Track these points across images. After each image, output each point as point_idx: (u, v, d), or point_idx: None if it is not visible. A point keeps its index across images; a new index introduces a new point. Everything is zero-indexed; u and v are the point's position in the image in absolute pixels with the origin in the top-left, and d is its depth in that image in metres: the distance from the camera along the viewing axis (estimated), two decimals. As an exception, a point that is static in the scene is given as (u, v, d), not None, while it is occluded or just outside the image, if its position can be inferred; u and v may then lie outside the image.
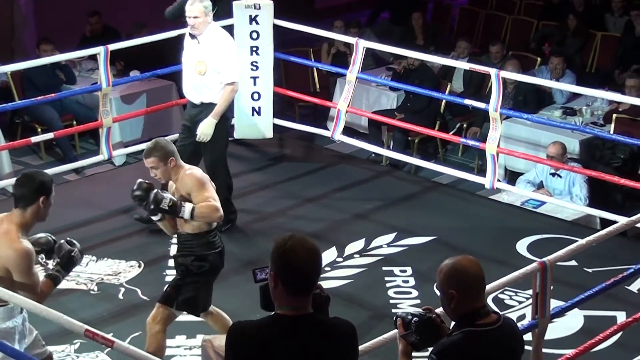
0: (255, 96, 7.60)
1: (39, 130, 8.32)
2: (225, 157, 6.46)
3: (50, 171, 7.03)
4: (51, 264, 4.27)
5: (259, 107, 7.64)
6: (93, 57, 7.69)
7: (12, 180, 7.07)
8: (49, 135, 7.46)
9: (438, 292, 3.17)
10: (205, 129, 6.19)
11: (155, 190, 4.55)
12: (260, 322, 2.96)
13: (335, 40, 9.19)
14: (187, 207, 4.50)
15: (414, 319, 3.18)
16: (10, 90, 8.88)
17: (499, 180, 6.92)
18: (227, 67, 6.18)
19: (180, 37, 6.68)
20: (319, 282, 3.11)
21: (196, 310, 4.70)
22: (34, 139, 7.14)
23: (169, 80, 8.66)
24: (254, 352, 2.91)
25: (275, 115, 7.72)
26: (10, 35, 10.47)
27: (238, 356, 2.93)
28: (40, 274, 4.10)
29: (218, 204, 4.54)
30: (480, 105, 6.96)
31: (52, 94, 7.47)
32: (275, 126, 7.74)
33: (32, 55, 8.40)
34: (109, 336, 3.74)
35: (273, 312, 2.98)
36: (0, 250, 3.93)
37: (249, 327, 2.95)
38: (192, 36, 6.22)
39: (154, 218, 4.63)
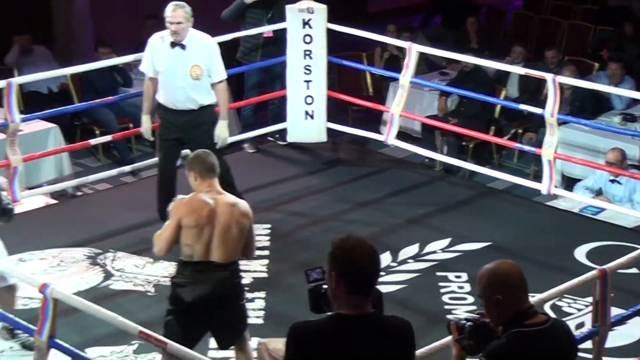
0: (309, 100, 7.62)
1: (97, 132, 8.44)
2: None
3: (107, 173, 7.22)
4: None
5: (312, 111, 7.66)
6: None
7: (72, 182, 7.26)
8: (107, 138, 7.55)
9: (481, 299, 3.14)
10: (222, 133, 6.21)
11: None
12: (321, 322, 2.97)
13: (388, 44, 9.18)
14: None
15: (468, 323, 3.19)
16: (70, 92, 9.03)
17: (555, 186, 6.85)
18: (219, 66, 6.17)
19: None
20: None
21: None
22: (93, 141, 7.23)
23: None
24: (315, 352, 2.92)
25: (328, 119, 7.73)
26: (69, 38, 10.64)
27: (299, 356, 2.94)
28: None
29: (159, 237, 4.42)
30: (537, 110, 6.90)
31: (110, 97, 7.56)
32: (328, 130, 7.76)
33: (90, 58, 8.52)
34: (163, 338, 3.76)
35: (333, 312, 2.98)
36: None
37: (310, 327, 2.97)
38: (173, 44, 6.08)
39: None
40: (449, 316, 5.47)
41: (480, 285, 3.12)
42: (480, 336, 3.16)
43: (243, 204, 4.48)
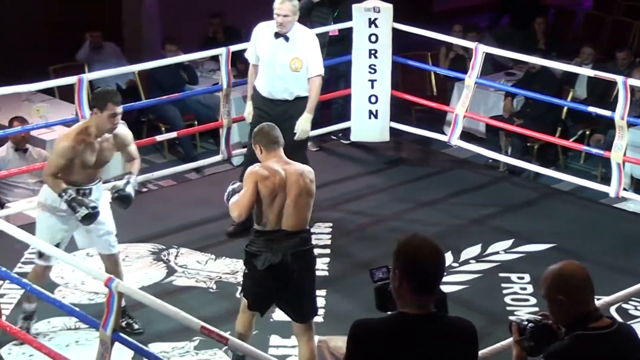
0: (373, 99, 7.60)
1: (163, 129, 8.54)
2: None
3: (171, 170, 7.31)
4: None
5: (376, 110, 7.65)
6: (215, 58, 7.83)
7: (139, 178, 7.33)
8: (173, 134, 7.65)
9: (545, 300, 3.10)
10: (304, 126, 6.26)
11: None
12: (383, 320, 2.97)
13: (453, 44, 9.11)
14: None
15: (530, 324, 3.16)
16: (137, 89, 9.15)
17: (624, 189, 6.73)
18: (318, 61, 6.29)
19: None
20: None
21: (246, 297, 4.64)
22: (159, 138, 7.32)
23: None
24: (376, 351, 2.91)
25: (391, 119, 7.71)
26: (137, 36, 10.79)
27: (361, 354, 2.94)
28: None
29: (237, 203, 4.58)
30: (606, 112, 6.79)
31: (176, 94, 7.65)
32: (391, 129, 7.73)
33: (157, 56, 8.63)
34: (225, 334, 3.79)
35: (395, 311, 2.98)
36: None
37: (372, 325, 2.96)
38: (277, 35, 6.22)
39: None
40: (511, 317, 5.42)
41: (544, 286, 3.08)
42: (541, 337, 3.12)
43: (309, 171, 4.67)
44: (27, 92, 7.96)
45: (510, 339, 3.67)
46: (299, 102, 6.28)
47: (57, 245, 4.90)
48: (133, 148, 5.22)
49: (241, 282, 4.76)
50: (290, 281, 4.54)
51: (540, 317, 3.18)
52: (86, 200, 4.89)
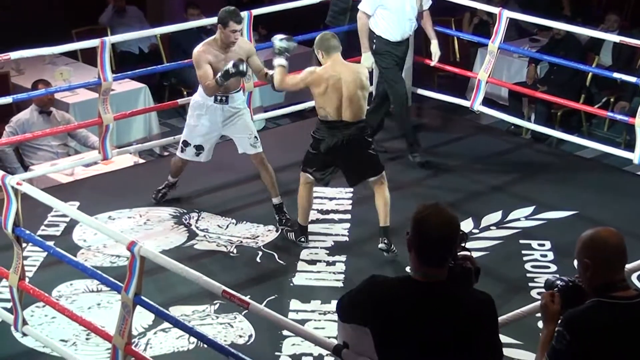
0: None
1: (185, 93, 8.54)
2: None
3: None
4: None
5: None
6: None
7: (161, 141, 7.38)
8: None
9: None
10: (437, 50, 7.12)
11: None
12: (394, 280, 3.06)
13: (477, 9, 9.02)
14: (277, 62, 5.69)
15: (560, 282, 3.17)
16: (160, 53, 9.15)
17: (648, 156, 6.66)
18: None
19: None
20: (470, 254, 3.12)
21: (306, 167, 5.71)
22: (181, 101, 7.32)
23: (309, 47, 8.68)
24: (380, 305, 2.98)
25: (414, 84, 7.67)
26: (160, 0, 10.76)
27: (365, 303, 3.01)
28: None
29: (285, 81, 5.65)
30: (631, 79, 6.71)
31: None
32: (413, 95, 7.69)
33: (179, 19, 8.60)
34: (246, 298, 3.81)
35: (404, 275, 3.05)
36: None
37: (384, 283, 3.05)
38: None
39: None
40: (533, 285, 5.42)
41: (577, 247, 3.07)
42: (569, 297, 3.12)
43: (364, 70, 5.66)
44: (51, 55, 7.99)
45: (530, 305, 3.70)
46: (406, 42, 7.00)
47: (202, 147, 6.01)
48: (257, 59, 6.01)
49: (304, 159, 5.72)
50: (349, 155, 5.60)
51: (574, 278, 3.17)
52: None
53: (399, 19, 6.80)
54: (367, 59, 6.79)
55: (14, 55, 6.15)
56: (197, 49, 5.83)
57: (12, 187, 4.47)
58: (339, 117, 5.52)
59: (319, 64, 5.65)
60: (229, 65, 5.65)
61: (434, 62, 7.20)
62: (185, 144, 6.04)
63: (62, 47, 6.59)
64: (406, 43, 7.00)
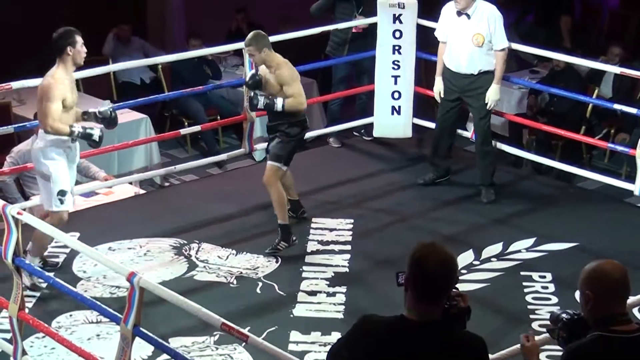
0: (396, 95, 7.60)
1: (186, 123, 8.56)
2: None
3: (194, 164, 7.32)
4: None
5: (399, 107, 7.64)
6: (238, 53, 7.84)
7: (161, 171, 7.38)
8: (196, 128, 7.58)
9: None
10: (494, 95, 6.79)
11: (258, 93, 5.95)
12: (387, 320, 3.01)
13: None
14: (279, 102, 5.85)
15: (565, 316, 3.19)
16: (161, 83, 9.18)
17: (649, 188, 6.66)
18: (501, 35, 6.73)
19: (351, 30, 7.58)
20: (462, 292, 3.12)
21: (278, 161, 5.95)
22: (183, 131, 7.33)
23: (310, 77, 8.73)
24: (374, 346, 2.95)
25: (414, 115, 7.69)
26: (162, 28, 10.81)
27: (358, 344, 2.99)
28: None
29: (302, 98, 5.88)
30: (632, 110, 6.73)
31: (199, 87, 7.66)
32: (414, 126, 7.71)
33: (181, 49, 8.65)
34: (245, 331, 3.80)
35: (398, 314, 3.01)
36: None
37: (376, 322, 3.01)
38: (459, 13, 6.70)
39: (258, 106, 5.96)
40: (534, 317, 5.40)
41: (579, 278, 3.08)
42: (574, 330, 3.15)
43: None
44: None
45: (515, 347, 3.71)
46: (483, 76, 6.78)
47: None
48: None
49: (278, 155, 5.93)
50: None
51: (580, 312, 3.18)
52: (89, 127, 5.53)
53: (453, 49, 6.85)
54: (494, 91, 6.81)
55: (16, 85, 6.18)
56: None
57: (13, 217, 4.47)
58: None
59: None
60: (96, 133, 5.54)
61: (488, 105, 6.84)
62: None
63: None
64: (469, 79, 6.82)
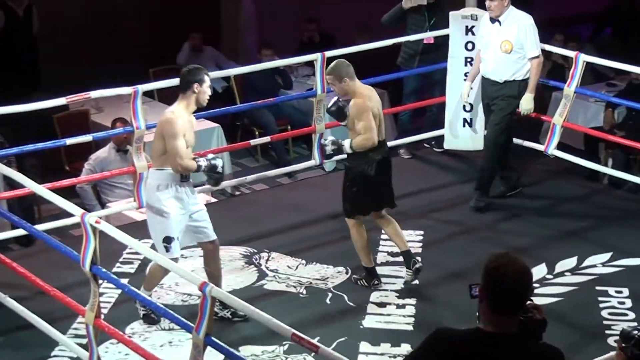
0: (467, 107, 7.53)
1: (257, 133, 8.61)
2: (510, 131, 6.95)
3: (264, 174, 7.37)
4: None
5: (470, 119, 7.57)
6: (310, 63, 7.86)
7: (232, 182, 7.43)
8: (267, 139, 7.60)
9: None
10: (527, 104, 6.80)
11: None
12: (463, 333, 2.96)
13: (552, 53, 8.93)
14: (346, 144, 5.59)
15: (637, 333, 3.11)
16: (233, 93, 9.25)
17: None
18: (533, 44, 6.72)
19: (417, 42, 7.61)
20: (538, 304, 3.06)
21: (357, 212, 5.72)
22: (253, 142, 7.37)
23: (382, 89, 8.70)
24: (449, 359, 2.91)
25: (486, 127, 7.61)
26: (235, 40, 10.92)
27: (432, 358, 2.95)
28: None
29: (370, 133, 5.52)
30: None
31: (270, 99, 7.70)
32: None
33: (253, 60, 8.70)
34: (315, 341, 3.79)
35: (474, 327, 2.96)
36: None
37: (452, 336, 2.97)
38: (493, 20, 6.74)
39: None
40: (609, 332, 5.29)
41: None
42: None
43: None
44: (129, 94, 8.12)
45: (607, 355, 3.61)
46: (508, 85, 6.77)
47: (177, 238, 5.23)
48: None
49: (345, 209, 5.72)
50: (389, 171, 5.76)
51: None
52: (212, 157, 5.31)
53: (485, 53, 6.90)
54: (527, 100, 6.83)
55: (94, 94, 6.27)
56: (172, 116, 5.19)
57: (91, 226, 4.54)
58: (381, 136, 5.63)
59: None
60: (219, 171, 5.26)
61: (522, 114, 6.94)
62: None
63: (141, 86, 6.68)
64: (496, 86, 6.88)
